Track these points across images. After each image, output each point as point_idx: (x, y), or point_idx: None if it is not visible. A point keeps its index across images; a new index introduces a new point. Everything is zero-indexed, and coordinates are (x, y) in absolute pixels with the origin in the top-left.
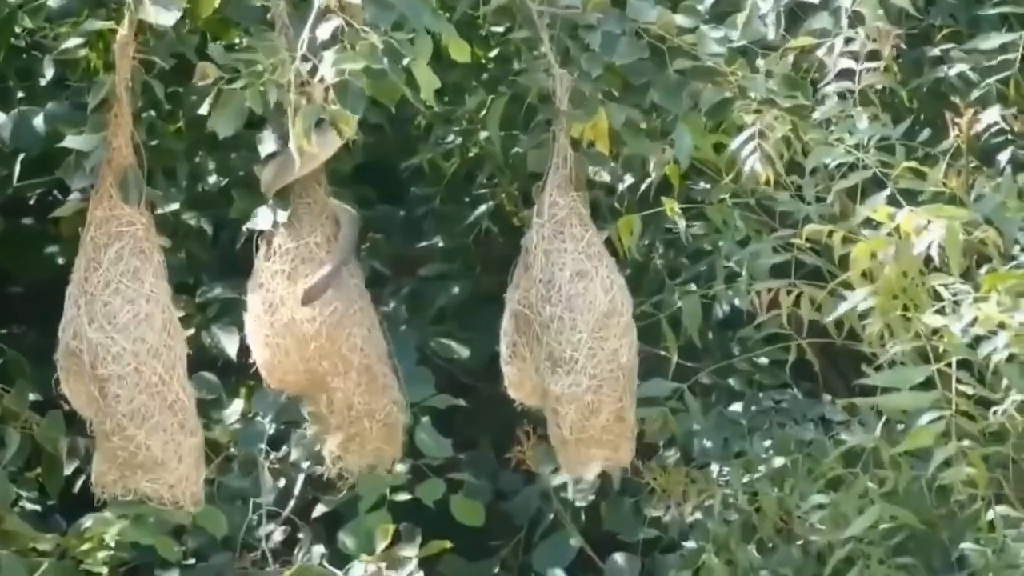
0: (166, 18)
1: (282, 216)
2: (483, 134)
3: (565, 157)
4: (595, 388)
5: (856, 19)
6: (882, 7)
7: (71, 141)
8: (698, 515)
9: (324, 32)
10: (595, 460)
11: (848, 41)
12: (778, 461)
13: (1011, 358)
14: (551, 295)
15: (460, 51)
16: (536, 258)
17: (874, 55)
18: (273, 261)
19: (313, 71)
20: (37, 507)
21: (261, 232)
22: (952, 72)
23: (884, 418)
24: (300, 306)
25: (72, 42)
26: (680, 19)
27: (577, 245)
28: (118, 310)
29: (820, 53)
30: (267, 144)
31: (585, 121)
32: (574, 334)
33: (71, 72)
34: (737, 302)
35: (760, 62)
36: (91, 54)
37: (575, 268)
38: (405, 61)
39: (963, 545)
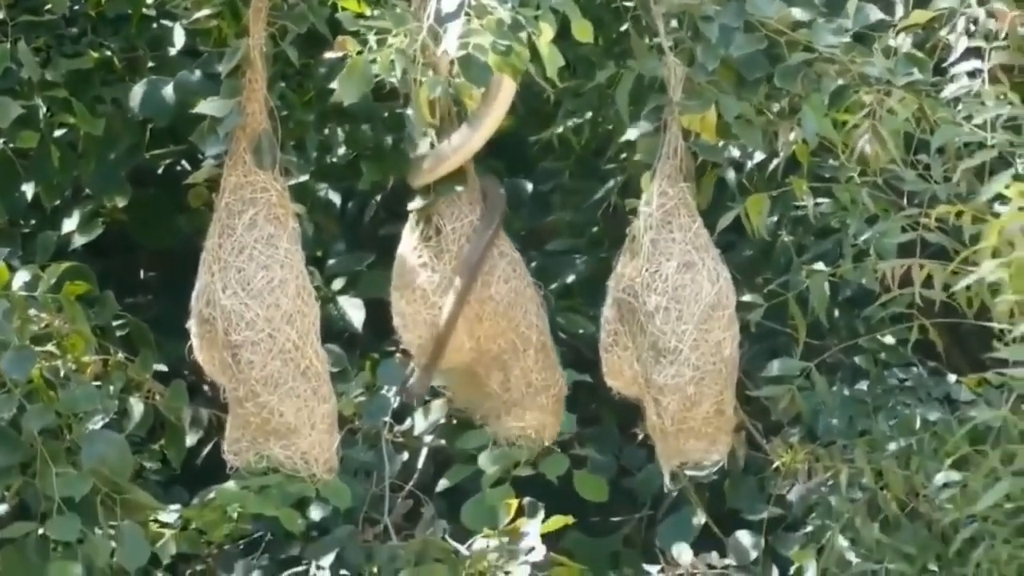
0: None
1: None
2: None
3: (676, 147)
4: (698, 380)
5: None
6: None
7: (205, 107)
8: (822, 492)
9: (450, 4)
10: (693, 451)
11: (973, 21)
12: (903, 440)
13: None
14: (657, 284)
15: (583, 31)
16: (642, 247)
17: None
18: (436, 241)
19: (438, 42)
20: (159, 478)
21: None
22: None
23: (1014, 395)
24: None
25: (203, 11)
26: (796, 12)
27: (685, 236)
28: (252, 276)
29: (944, 32)
30: (421, 146)
31: (698, 113)
32: (679, 324)
33: (201, 42)
34: (864, 281)
35: (878, 44)
36: (221, 23)
37: (682, 259)
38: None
39: None
